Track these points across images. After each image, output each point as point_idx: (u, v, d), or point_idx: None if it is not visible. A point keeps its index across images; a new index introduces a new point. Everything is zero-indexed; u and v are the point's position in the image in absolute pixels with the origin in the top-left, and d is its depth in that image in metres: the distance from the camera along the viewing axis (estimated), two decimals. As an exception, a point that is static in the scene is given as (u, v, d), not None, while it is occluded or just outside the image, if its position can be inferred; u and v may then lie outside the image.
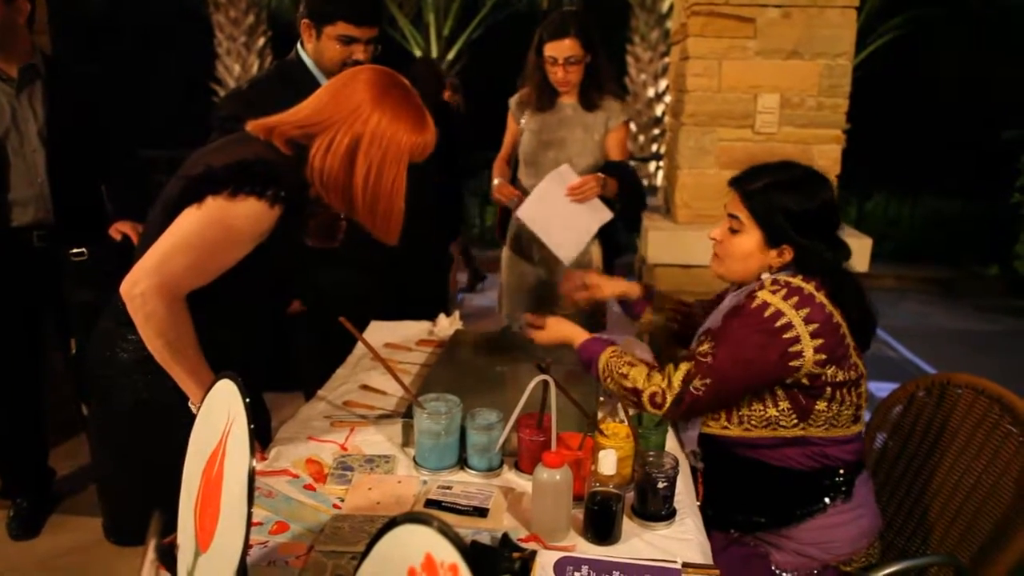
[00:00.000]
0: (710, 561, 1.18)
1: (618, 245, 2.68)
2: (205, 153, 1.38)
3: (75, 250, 2.40)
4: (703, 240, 2.70)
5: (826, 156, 2.67)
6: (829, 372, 1.42)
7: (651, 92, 9.36)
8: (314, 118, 1.36)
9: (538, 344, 1.73)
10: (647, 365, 1.50)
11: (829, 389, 1.43)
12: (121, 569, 2.27)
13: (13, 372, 2.47)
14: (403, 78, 1.44)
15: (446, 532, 0.64)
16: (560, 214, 2.39)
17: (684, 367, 1.45)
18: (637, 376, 1.47)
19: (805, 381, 1.42)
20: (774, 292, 1.42)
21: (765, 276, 1.50)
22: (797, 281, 1.44)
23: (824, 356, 1.39)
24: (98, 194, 2.57)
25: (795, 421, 1.45)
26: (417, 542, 0.67)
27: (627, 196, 2.48)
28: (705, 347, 1.45)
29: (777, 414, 1.46)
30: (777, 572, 1.48)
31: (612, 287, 1.91)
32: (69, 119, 2.37)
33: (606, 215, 2.39)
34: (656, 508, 1.25)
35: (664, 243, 2.75)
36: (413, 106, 1.40)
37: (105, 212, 2.56)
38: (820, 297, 1.42)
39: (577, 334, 1.64)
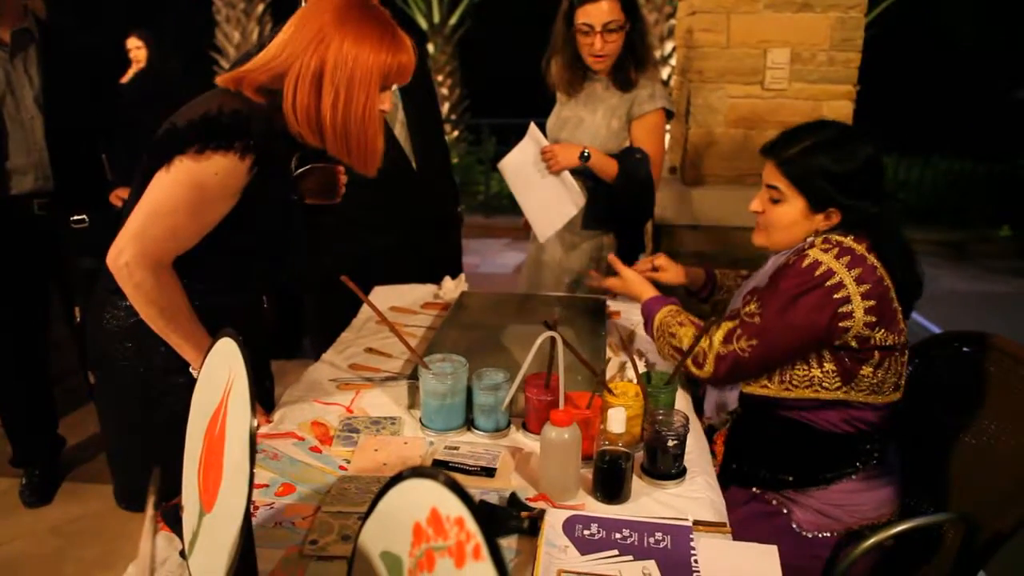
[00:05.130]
0: (723, 519, 1.16)
1: (638, 242, 2.42)
2: (175, 114, 1.32)
3: (76, 217, 2.39)
4: (712, 200, 2.68)
5: (837, 112, 2.62)
6: (878, 335, 1.39)
7: (657, 55, 9.20)
8: (280, 56, 1.29)
9: (609, 289, 1.81)
10: (696, 326, 1.48)
11: (877, 354, 1.40)
12: (132, 534, 2.28)
13: (20, 341, 2.47)
14: None
15: (452, 486, 0.62)
16: (535, 181, 2.24)
17: (726, 326, 1.44)
18: (684, 336, 1.48)
19: (853, 344, 1.39)
20: (825, 251, 1.40)
21: (817, 237, 1.46)
22: (848, 241, 1.41)
23: (874, 318, 1.37)
24: (98, 161, 2.54)
25: (838, 384, 1.42)
26: (422, 497, 0.66)
27: (619, 188, 2.20)
28: (752, 307, 1.42)
29: (821, 375, 1.43)
30: (797, 530, 1.47)
31: (676, 274, 1.84)
32: (66, 84, 2.33)
33: (580, 200, 2.17)
34: (666, 467, 1.23)
35: (673, 203, 2.71)
36: (379, 24, 1.31)
37: (105, 179, 2.54)
38: (871, 258, 1.39)
39: (646, 290, 1.68)
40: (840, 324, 1.37)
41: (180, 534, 1.00)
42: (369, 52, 1.28)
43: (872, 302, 1.36)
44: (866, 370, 1.41)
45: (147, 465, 1.06)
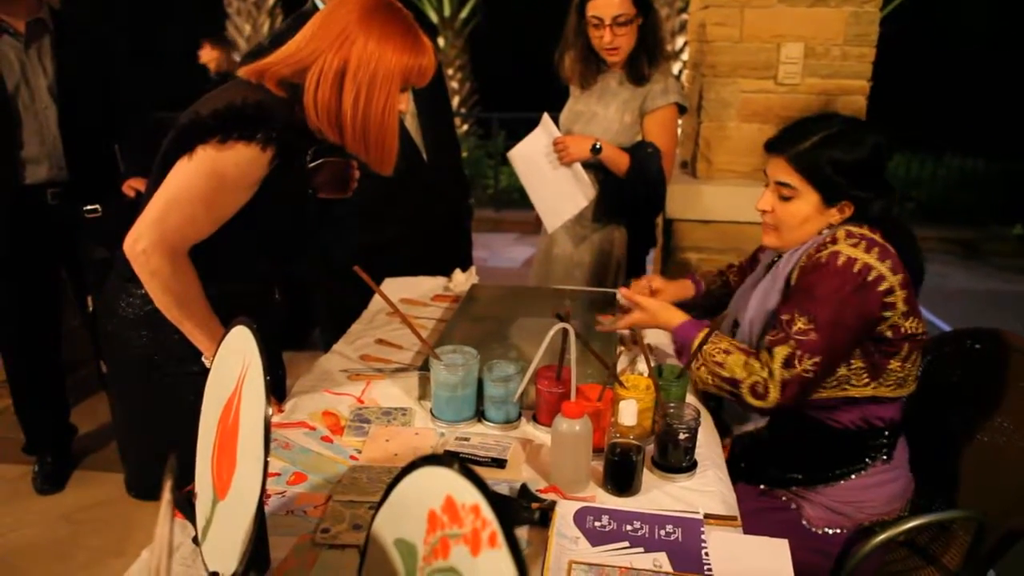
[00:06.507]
0: (733, 513, 1.16)
1: (650, 236, 2.44)
2: (197, 103, 1.34)
3: (89, 207, 2.40)
4: (723, 195, 2.67)
5: (851, 108, 2.59)
6: (909, 324, 1.38)
7: (669, 49, 9.16)
8: (303, 51, 1.31)
9: (632, 327, 1.60)
10: (743, 352, 1.40)
11: (907, 345, 1.38)
12: (143, 522, 2.31)
13: (32, 330, 2.49)
14: None
15: (467, 473, 0.62)
16: (546, 172, 2.24)
17: (781, 351, 1.35)
18: (734, 365, 1.38)
19: (888, 333, 1.37)
20: (854, 245, 1.36)
21: (836, 231, 1.41)
22: (868, 233, 1.39)
23: (908, 307, 1.37)
24: (111, 151, 2.55)
25: (866, 380, 1.40)
26: (437, 484, 0.66)
27: (630, 181, 2.21)
28: (801, 324, 1.34)
29: (849, 373, 1.40)
30: (807, 525, 1.46)
31: (673, 293, 1.79)
32: (79, 75, 2.34)
33: (590, 192, 2.20)
34: (677, 460, 1.23)
35: (683, 198, 2.70)
36: (403, 26, 1.32)
37: (118, 169, 2.55)
38: (890, 248, 1.38)
39: (674, 316, 1.55)
40: (884, 314, 1.36)
41: (193, 521, 1.01)
42: (392, 53, 1.30)
43: (907, 292, 1.36)
44: (894, 364, 1.40)
45: (158, 454, 1.07)
